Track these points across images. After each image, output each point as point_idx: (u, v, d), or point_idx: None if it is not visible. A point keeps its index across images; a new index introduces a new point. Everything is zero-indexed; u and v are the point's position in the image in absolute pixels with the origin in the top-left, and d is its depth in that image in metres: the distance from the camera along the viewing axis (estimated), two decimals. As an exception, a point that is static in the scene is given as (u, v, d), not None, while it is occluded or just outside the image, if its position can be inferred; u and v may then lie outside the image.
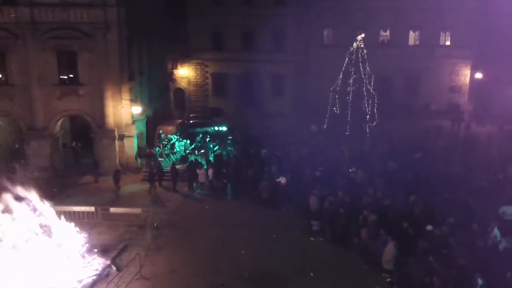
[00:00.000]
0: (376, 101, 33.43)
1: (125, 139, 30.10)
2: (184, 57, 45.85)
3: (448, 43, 44.46)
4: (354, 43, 32.61)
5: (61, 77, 28.93)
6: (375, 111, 33.43)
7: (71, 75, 29.01)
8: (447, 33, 44.29)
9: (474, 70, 44.47)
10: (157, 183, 26.77)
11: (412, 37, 44.63)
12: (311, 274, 17.57)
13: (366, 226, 18.74)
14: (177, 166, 28.15)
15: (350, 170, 25.20)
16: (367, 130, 32.68)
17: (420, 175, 24.19)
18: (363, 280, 16.84)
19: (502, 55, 41.48)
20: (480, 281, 14.17)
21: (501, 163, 26.50)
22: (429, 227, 17.52)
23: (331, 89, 34.14)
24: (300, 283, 16.94)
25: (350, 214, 19.87)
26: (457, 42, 43.66)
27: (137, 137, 31.40)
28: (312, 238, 20.65)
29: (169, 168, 28.19)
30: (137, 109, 31.43)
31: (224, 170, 27.25)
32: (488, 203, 21.29)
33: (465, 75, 44.48)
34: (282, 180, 24.38)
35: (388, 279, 16.27)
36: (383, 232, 17.57)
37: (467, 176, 24.95)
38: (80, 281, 17.03)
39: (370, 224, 18.62)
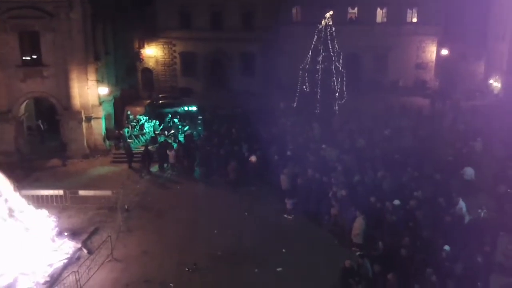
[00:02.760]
0: (345, 79, 33.64)
1: (92, 121, 29.58)
2: (151, 36, 45.06)
3: (415, 20, 45.05)
4: (323, 21, 32.58)
5: (24, 58, 28.09)
6: (344, 88, 33.68)
7: (34, 56, 28.23)
8: (414, 10, 44.87)
9: (440, 46, 45.25)
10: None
11: (380, 14, 45.02)
12: (283, 251, 17.81)
13: (336, 201, 19.03)
14: (150, 147, 27.87)
15: (318, 148, 25.38)
16: (336, 108, 32.95)
17: (388, 151, 24.59)
18: (334, 254, 17.15)
19: (466, 31, 42.32)
20: (447, 248, 14.61)
21: (467, 138, 27.16)
22: (396, 202, 17.90)
23: (301, 67, 34.14)
24: (272, 260, 17.13)
25: (321, 190, 20.15)
26: (424, 19, 44.28)
27: (105, 118, 30.90)
28: (285, 216, 20.84)
29: (139, 149, 27.91)
30: (104, 90, 30.86)
31: (194, 150, 27.11)
32: (453, 176, 21.86)
33: (431, 51, 45.26)
34: (253, 158, 24.43)
35: (358, 253, 16.62)
36: (352, 207, 17.91)
37: (433, 151, 25.49)
38: (50, 265, 16.80)
39: (340, 199, 18.93)
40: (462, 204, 17.88)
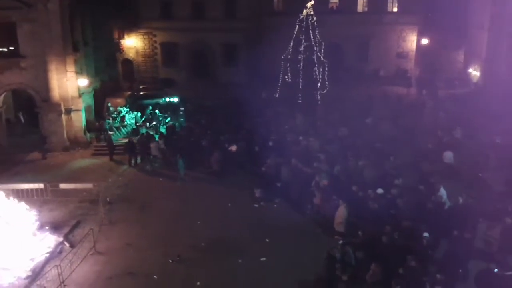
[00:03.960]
0: (326, 69, 33.71)
1: (72, 113, 29.22)
2: (132, 27, 44.47)
3: (395, 9, 45.27)
4: (304, 10, 32.54)
5: (0, 49, 27.48)
6: (326, 78, 33.76)
7: (11, 47, 27.67)
8: (394, -1, 45.04)
9: (420, 36, 45.58)
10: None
11: (361, 4, 45.13)
12: (267, 240, 17.87)
13: (319, 191, 19.16)
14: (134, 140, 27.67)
15: (301, 137, 25.47)
16: (319, 98, 33.04)
17: (370, 140, 24.80)
18: (317, 243, 17.29)
19: (446, 20, 42.67)
20: (427, 235, 14.85)
21: (448, 127, 27.53)
22: (379, 191, 18.10)
23: (283, 57, 34.11)
24: (256, 249, 17.19)
25: (303, 180, 20.26)
26: (404, 8, 44.51)
27: (85, 110, 30.55)
28: (255, 205, 21.00)
29: (121, 141, 27.67)
30: (83, 82, 30.48)
31: (176, 142, 26.97)
32: (434, 164, 22.19)
33: (412, 41, 45.56)
34: (233, 148, 24.40)
35: (340, 241, 16.78)
36: (335, 196, 18.05)
37: (414, 139, 25.78)
38: (32, 259, 16.61)
39: (322, 188, 19.05)
40: (442, 191, 18.16)
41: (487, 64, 40.65)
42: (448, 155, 22.86)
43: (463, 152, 23.84)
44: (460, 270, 14.39)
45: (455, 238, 15.15)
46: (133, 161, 26.33)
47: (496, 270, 13.52)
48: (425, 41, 45.65)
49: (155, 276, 15.83)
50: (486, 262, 14.15)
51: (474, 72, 43.45)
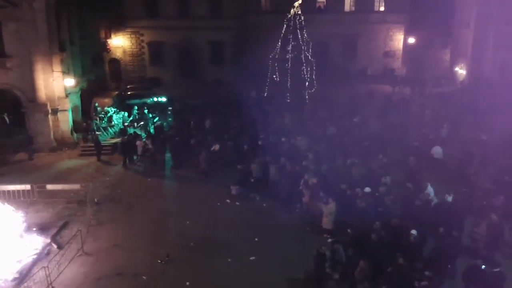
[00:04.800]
0: (314, 68, 33.81)
1: (59, 113, 28.96)
2: (118, 26, 44.23)
3: (382, 8, 45.51)
4: (292, 9, 32.60)
5: (-15, 49, 27.18)
6: (314, 77, 33.86)
7: (-4, 47, 27.33)
8: (381, -2, 45.31)
9: (407, 34, 45.91)
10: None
11: (348, 3, 45.30)
12: (256, 239, 17.88)
13: (307, 189, 19.22)
14: (116, 140, 27.49)
15: (284, 138, 25.48)
16: (307, 97, 33.12)
17: (357, 138, 24.93)
18: (306, 241, 17.35)
19: (432, 19, 43.03)
20: (414, 232, 14.98)
21: (434, 124, 27.79)
22: (367, 189, 18.20)
23: (271, 56, 34.14)
24: (246, 249, 17.20)
25: (292, 179, 20.31)
26: (391, 7, 44.79)
27: (72, 110, 30.30)
28: (228, 201, 21.19)
29: (108, 141, 27.49)
30: (70, 82, 30.23)
31: (164, 142, 26.86)
32: (421, 161, 22.38)
33: (399, 40, 45.88)
34: (216, 147, 24.37)
35: (329, 239, 16.85)
36: (323, 194, 18.12)
37: (401, 137, 25.98)
38: (19, 261, 16.45)
39: (311, 187, 19.12)
40: (430, 189, 18.33)
41: (472, 62, 41.06)
42: (437, 150, 23.25)
43: (449, 150, 24.07)
44: (449, 266, 14.55)
45: (442, 235, 15.28)
46: (127, 161, 26.04)
47: (483, 266, 13.67)
48: (411, 40, 45.99)
49: (144, 277, 15.75)
50: (473, 259, 14.31)
51: (460, 71, 43.85)
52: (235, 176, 22.48)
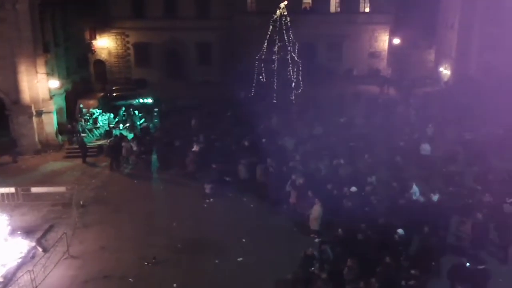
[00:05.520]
0: (300, 68, 33.91)
1: (43, 115, 28.64)
2: (103, 27, 43.80)
3: (367, 9, 45.76)
4: (278, 10, 32.67)
5: (-32, 50, 26.77)
6: (300, 78, 33.95)
7: (-21, 49, 26.92)
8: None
9: (392, 35, 46.25)
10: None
11: (334, 4, 45.45)
12: (243, 240, 17.88)
13: (294, 189, 19.26)
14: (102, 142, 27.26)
15: (279, 137, 25.57)
16: (293, 97, 33.21)
17: (344, 138, 25.06)
18: (293, 242, 17.40)
19: (417, 20, 43.42)
20: (400, 231, 15.10)
21: (419, 124, 28.06)
22: (353, 188, 18.31)
23: (257, 56, 34.16)
24: (233, 250, 17.19)
25: (279, 179, 20.34)
26: (376, 8, 45.05)
27: (57, 112, 29.96)
28: (207, 200, 21.32)
29: (94, 143, 27.29)
30: (54, 83, 29.92)
31: (150, 143, 26.72)
32: (406, 161, 22.57)
33: (384, 40, 46.14)
34: (196, 148, 24.28)
35: (316, 239, 16.91)
36: (310, 194, 18.18)
37: (387, 137, 26.17)
38: (4, 265, 16.21)
39: (298, 187, 19.16)
40: (415, 188, 18.50)
41: (457, 63, 41.54)
42: (425, 147, 23.64)
43: (435, 148, 24.31)
44: (433, 264, 14.69)
45: (427, 233, 15.43)
46: (114, 164, 25.78)
47: (468, 264, 13.83)
48: (396, 40, 46.36)
49: (130, 279, 15.66)
50: (458, 257, 14.47)
51: (445, 71, 44.34)
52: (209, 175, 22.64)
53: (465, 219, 16.31)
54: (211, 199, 21.36)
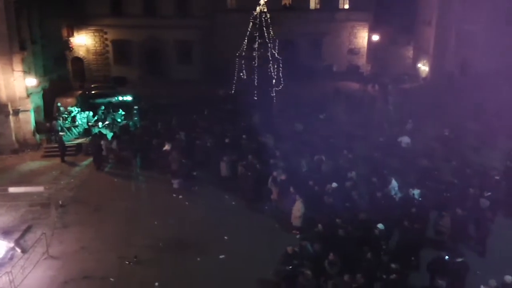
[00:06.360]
0: (281, 65, 33.94)
1: (20, 114, 28.16)
2: (81, 24, 43.15)
3: (346, 6, 46.01)
4: (257, 8, 32.62)
5: None
6: (281, 75, 33.98)
7: (-48, 47, 26.32)
8: (345, -4, 45.87)
9: (371, 32, 46.60)
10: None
11: (313, 1, 45.61)
12: (225, 238, 17.88)
13: (276, 186, 19.31)
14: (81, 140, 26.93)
15: (259, 134, 25.59)
16: (274, 94, 33.22)
17: (324, 135, 25.21)
18: (275, 239, 17.47)
19: (396, 17, 43.85)
20: (380, 226, 15.28)
21: (399, 120, 28.40)
22: (334, 184, 18.44)
23: (237, 54, 34.07)
24: (215, 248, 17.17)
25: (261, 176, 20.37)
26: (355, 5, 45.34)
27: (34, 111, 29.49)
28: (174, 195, 21.45)
29: (72, 142, 26.93)
30: (31, 81, 29.44)
31: (130, 141, 26.45)
32: (385, 156, 22.82)
33: (363, 37, 46.45)
34: (167, 147, 24.14)
35: (298, 236, 16.98)
36: (292, 190, 18.25)
37: (367, 133, 26.42)
38: (-19, 267, 15.98)
39: (279, 184, 19.22)
40: (394, 183, 18.72)
41: (434, 59, 42.08)
42: (405, 140, 24.24)
43: (414, 144, 24.64)
44: (413, 259, 14.91)
45: (406, 228, 15.64)
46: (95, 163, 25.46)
47: (447, 257, 14.08)
48: (375, 37, 46.73)
49: (111, 279, 15.53)
50: (437, 250, 14.70)
51: (423, 67, 44.90)
52: (176, 171, 22.80)
53: (444, 214, 16.56)
54: (180, 196, 21.45)
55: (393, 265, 13.40)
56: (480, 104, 30.38)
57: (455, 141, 24.98)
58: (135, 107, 33.40)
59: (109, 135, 27.37)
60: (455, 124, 27.37)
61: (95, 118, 30.83)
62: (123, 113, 31.59)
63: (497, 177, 19.68)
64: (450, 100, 32.11)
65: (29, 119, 28.75)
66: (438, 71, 41.03)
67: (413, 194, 17.99)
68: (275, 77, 33.54)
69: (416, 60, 47.25)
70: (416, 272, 14.86)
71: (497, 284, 12.90)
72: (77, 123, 30.26)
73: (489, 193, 18.01)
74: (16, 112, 27.95)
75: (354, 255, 14.25)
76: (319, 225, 15.92)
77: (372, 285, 13.25)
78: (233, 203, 20.89)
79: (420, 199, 17.84)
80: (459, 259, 14.22)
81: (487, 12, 36.60)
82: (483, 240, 16.43)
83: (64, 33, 43.04)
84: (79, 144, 27.84)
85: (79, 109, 31.85)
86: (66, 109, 31.48)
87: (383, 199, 17.69)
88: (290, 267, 14.17)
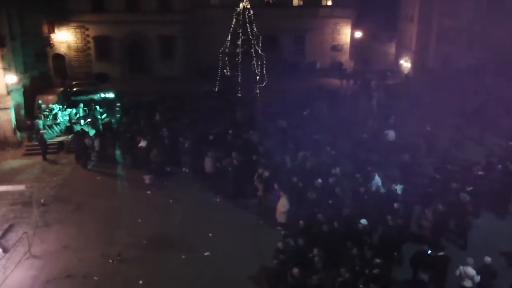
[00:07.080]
0: (265, 62, 33.96)
1: (0, 112, 27.71)
2: (62, 20, 42.57)
3: (329, 3, 46.24)
4: (241, 4, 32.58)
5: None
6: (264, 71, 34.01)
7: None
8: (328, -7, 46.06)
9: (354, 29, 46.90)
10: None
11: (296, -3, 45.75)
12: (210, 235, 17.85)
13: (260, 183, 19.33)
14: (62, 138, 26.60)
15: (244, 131, 25.55)
16: (258, 91, 33.24)
17: (308, 131, 25.28)
18: (260, 235, 17.50)
19: (378, 13, 44.17)
20: (364, 221, 15.40)
21: (381, 116, 28.61)
22: (318, 180, 18.51)
23: (221, 50, 33.98)
24: (199, 245, 17.12)
25: (245, 173, 20.37)
26: (338, 2, 45.62)
27: (15, 109, 29.01)
28: (148, 192, 21.51)
29: (54, 140, 26.59)
30: (11, 78, 28.92)
31: (113, 139, 26.22)
32: (368, 153, 22.96)
33: (346, 34, 46.79)
34: (143, 143, 23.99)
35: (282, 232, 17.02)
36: (276, 187, 18.29)
37: (350, 129, 26.56)
38: (-39, 267, 15.72)
39: (264, 180, 19.24)
40: (377, 179, 18.87)
41: (416, 55, 42.52)
42: (391, 134, 24.56)
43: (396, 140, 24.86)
44: (395, 254, 15.08)
45: (389, 223, 15.79)
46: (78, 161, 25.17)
47: (429, 251, 14.28)
48: (358, 34, 47.04)
49: (95, 277, 15.39)
50: (420, 245, 14.89)
51: (405, 64, 45.33)
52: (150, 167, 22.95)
53: (426, 209, 16.75)
54: (149, 192, 21.55)
55: (376, 260, 13.51)
56: (461, 100, 30.76)
57: (437, 136, 25.25)
58: (118, 104, 33.10)
59: (91, 132, 27.08)
60: (437, 120, 27.65)
61: (77, 115, 30.46)
62: (102, 110, 31.28)
63: (480, 173, 19.92)
64: (432, 96, 32.45)
65: (9, 117, 28.29)
66: (420, 67, 41.45)
67: (396, 189, 18.14)
68: (259, 73, 33.58)
69: (398, 56, 47.70)
70: (399, 266, 15.02)
71: (474, 262, 13.45)
72: (58, 120, 29.88)
73: (471, 188, 18.26)
74: (-4, 110, 27.51)
75: (338, 250, 14.32)
76: (301, 222, 15.99)
77: (356, 280, 13.35)
78: (217, 199, 20.86)
79: (402, 194, 18.00)
80: (441, 253, 14.45)
81: (468, 7, 37.02)
82: (464, 233, 16.68)
83: (45, 29, 42.37)
84: (61, 142, 27.47)
85: (61, 106, 31.45)
86: (47, 107, 31.08)
87: (366, 194, 17.82)
88: (276, 261, 14.20)
